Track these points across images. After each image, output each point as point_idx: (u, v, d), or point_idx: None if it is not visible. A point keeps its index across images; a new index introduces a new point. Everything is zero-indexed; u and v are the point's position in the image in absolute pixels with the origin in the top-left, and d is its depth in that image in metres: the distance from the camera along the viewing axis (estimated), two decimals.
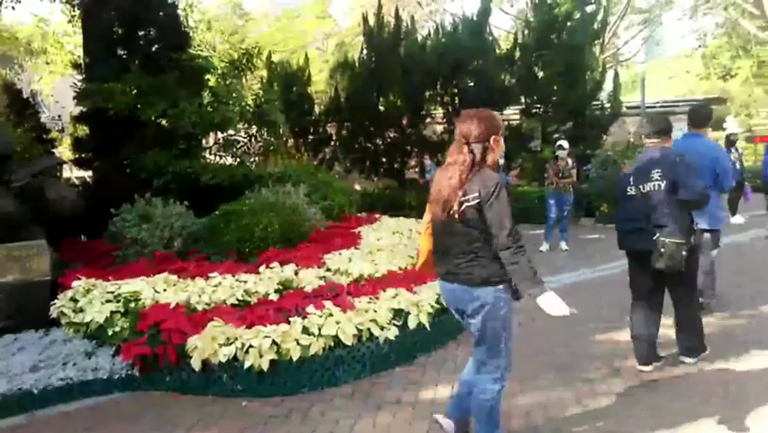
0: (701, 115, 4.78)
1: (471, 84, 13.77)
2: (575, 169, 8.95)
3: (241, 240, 5.93)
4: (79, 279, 4.75)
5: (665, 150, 3.79)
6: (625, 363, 4.13)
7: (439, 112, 15.05)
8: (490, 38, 14.19)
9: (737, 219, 10.58)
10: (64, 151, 10.63)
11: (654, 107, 16.52)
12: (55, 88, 19.59)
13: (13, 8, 10.49)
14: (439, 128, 15.21)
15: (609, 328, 4.93)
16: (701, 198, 3.67)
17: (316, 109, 15.50)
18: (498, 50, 14.17)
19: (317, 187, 8.17)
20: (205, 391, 3.80)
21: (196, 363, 3.72)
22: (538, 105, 13.76)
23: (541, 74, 13.43)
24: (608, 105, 13.53)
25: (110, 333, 4.14)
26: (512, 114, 14.53)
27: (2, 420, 3.54)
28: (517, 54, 13.79)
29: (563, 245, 8.89)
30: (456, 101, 14.35)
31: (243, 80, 8.86)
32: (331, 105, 15.20)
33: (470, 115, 2.67)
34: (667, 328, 4.15)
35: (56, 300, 4.63)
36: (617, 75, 14.08)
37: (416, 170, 14.90)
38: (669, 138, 3.88)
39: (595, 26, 13.79)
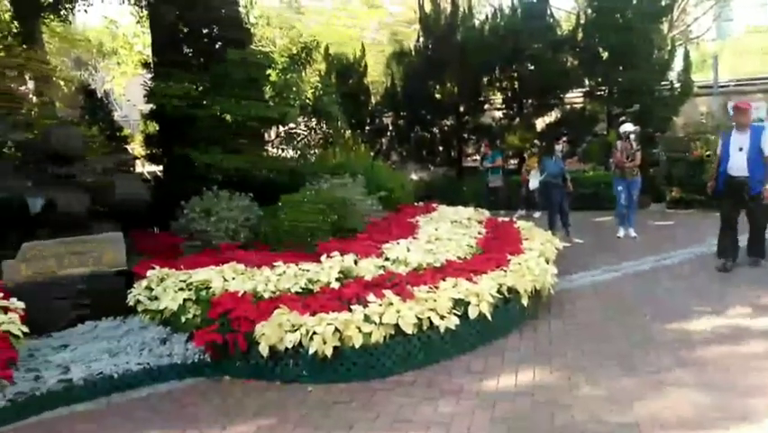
0: None
1: (532, 68, 13.41)
2: (639, 151, 8.57)
3: (293, 232, 6.05)
4: (153, 268, 4.99)
5: None
6: (692, 354, 3.98)
7: (498, 98, 14.75)
8: (551, 19, 13.73)
9: None
10: (136, 147, 11.15)
11: (728, 86, 15.53)
12: (126, 87, 20.53)
13: (85, 11, 11.09)
14: (498, 114, 14.91)
15: (680, 317, 4.75)
16: None
17: (372, 100, 15.53)
18: (559, 32, 13.69)
19: (374, 177, 8.21)
20: (272, 376, 3.93)
21: (263, 350, 3.85)
22: (602, 88, 13.25)
23: (605, 55, 12.90)
24: (677, 84, 12.86)
25: (183, 320, 4.34)
26: (575, 97, 14.06)
27: (81, 404, 3.67)
28: (580, 35, 13.29)
29: (632, 232, 8.57)
30: (516, 86, 14.03)
31: (303, 74, 8.96)
32: (387, 95, 15.20)
33: None
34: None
35: (132, 289, 4.89)
36: (687, 53, 13.32)
37: (475, 158, 14.70)
38: None
39: (663, 3, 13.09)
